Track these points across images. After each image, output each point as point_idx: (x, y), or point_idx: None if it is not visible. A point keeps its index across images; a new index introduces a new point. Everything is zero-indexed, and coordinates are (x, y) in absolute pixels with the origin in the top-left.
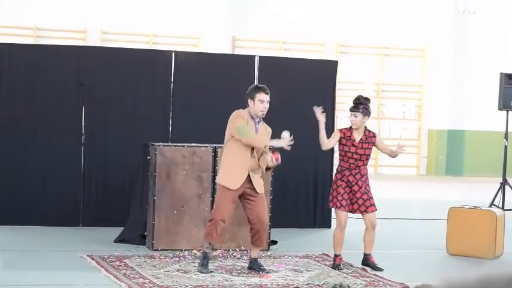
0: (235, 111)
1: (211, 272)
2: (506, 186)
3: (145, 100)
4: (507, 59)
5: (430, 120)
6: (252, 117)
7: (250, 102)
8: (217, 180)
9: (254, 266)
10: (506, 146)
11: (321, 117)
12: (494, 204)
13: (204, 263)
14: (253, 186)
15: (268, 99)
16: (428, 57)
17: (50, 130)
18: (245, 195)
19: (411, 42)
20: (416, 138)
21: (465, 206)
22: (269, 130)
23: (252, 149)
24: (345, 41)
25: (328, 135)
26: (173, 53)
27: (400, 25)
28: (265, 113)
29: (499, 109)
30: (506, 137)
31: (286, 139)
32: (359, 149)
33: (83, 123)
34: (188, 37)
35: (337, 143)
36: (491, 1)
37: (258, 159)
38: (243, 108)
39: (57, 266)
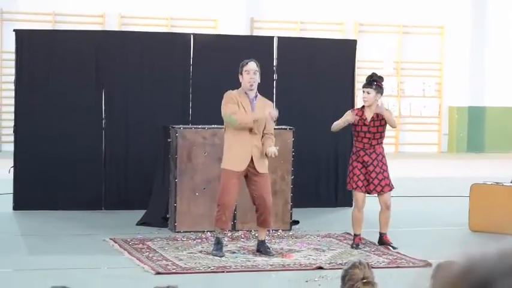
0: (226, 92)
1: (224, 255)
2: None
3: (164, 83)
4: None
5: (450, 97)
6: (246, 93)
7: (240, 77)
8: (221, 166)
9: (261, 249)
10: None
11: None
12: None
13: (217, 247)
14: (255, 166)
15: (256, 69)
16: (446, 34)
17: (70, 115)
18: (248, 176)
19: (429, 20)
20: (437, 115)
21: (487, 182)
22: (269, 103)
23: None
24: (364, 19)
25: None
26: (192, 36)
27: (418, 2)
28: (253, 84)
29: None
30: None
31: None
32: (371, 127)
33: (103, 108)
34: (206, 19)
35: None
36: None
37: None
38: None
39: (80, 250)
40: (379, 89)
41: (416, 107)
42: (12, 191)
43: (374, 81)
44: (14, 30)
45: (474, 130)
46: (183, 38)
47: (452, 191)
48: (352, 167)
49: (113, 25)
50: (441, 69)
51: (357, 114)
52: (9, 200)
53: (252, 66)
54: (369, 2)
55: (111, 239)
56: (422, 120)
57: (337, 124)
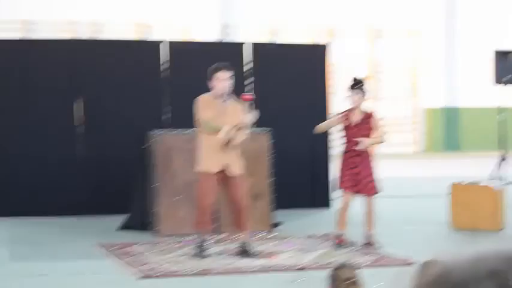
0: (199, 97)
1: (205, 258)
2: (505, 160)
3: (139, 89)
4: (497, 36)
5: (425, 99)
6: (218, 96)
7: (210, 83)
8: (195, 170)
9: (244, 251)
10: (502, 121)
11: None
12: (494, 179)
13: (199, 250)
14: (230, 167)
15: (230, 75)
16: (421, 38)
17: (44, 123)
18: (224, 177)
19: (403, 23)
20: (413, 116)
21: (465, 181)
22: (240, 108)
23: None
24: (337, 24)
25: (322, 120)
26: (165, 43)
27: (393, 7)
28: (227, 91)
29: (494, 85)
30: (501, 112)
31: (251, 115)
32: (358, 129)
33: (78, 115)
34: (180, 26)
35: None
36: None
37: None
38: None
39: (62, 256)
40: (364, 92)
41: (392, 109)
42: None
43: (359, 83)
44: None
45: (449, 130)
46: (157, 44)
47: (431, 190)
48: (342, 166)
49: (85, 33)
50: (415, 72)
51: (344, 116)
52: None
53: (226, 74)
54: (341, 6)
55: (93, 244)
56: (399, 122)
57: (321, 126)
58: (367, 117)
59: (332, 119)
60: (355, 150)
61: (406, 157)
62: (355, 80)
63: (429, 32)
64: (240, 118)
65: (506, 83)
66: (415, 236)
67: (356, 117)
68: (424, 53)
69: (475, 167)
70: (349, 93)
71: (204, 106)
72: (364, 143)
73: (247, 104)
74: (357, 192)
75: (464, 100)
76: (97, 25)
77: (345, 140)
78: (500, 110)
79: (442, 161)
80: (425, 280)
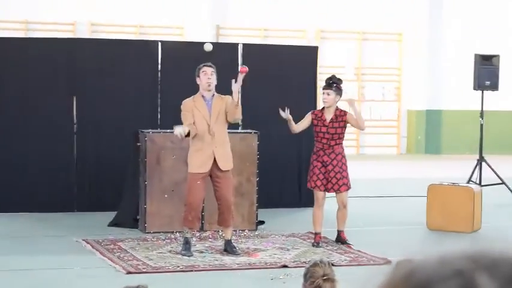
0: (183, 101)
1: (192, 255)
2: (483, 163)
3: (134, 89)
4: (479, 41)
5: (408, 101)
6: (203, 96)
7: (198, 80)
8: (188, 170)
9: (227, 248)
10: (481, 125)
11: (288, 117)
12: (472, 181)
13: (186, 247)
14: (218, 164)
15: (212, 71)
16: (405, 41)
17: (42, 121)
18: (212, 175)
19: (388, 27)
20: (396, 118)
21: (444, 183)
22: (225, 98)
23: (209, 128)
24: (325, 26)
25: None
26: (159, 43)
27: (378, 10)
28: (211, 84)
29: (474, 89)
30: (481, 116)
31: (238, 77)
32: (330, 128)
33: (74, 113)
34: (173, 27)
35: (312, 124)
36: None
37: (227, 114)
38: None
39: (54, 250)
40: (339, 91)
41: (376, 111)
42: None
43: (334, 83)
44: None
45: (432, 132)
46: (151, 45)
47: (410, 191)
48: (313, 166)
49: (84, 33)
50: (400, 75)
51: (316, 115)
52: None
53: (208, 69)
54: (330, 9)
55: (83, 239)
56: (382, 123)
57: (296, 127)
58: (341, 116)
59: (305, 119)
60: (326, 149)
61: (387, 159)
62: (329, 79)
63: (413, 37)
64: (225, 107)
65: (486, 88)
66: (390, 237)
67: (329, 116)
68: (408, 57)
69: (455, 169)
70: (324, 92)
71: (185, 111)
72: (352, 102)
73: (242, 76)
74: (328, 189)
75: (447, 103)
76: (95, 25)
77: (316, 138)
78: (482, 114)
79: (423, 163)
80: (393, 279)
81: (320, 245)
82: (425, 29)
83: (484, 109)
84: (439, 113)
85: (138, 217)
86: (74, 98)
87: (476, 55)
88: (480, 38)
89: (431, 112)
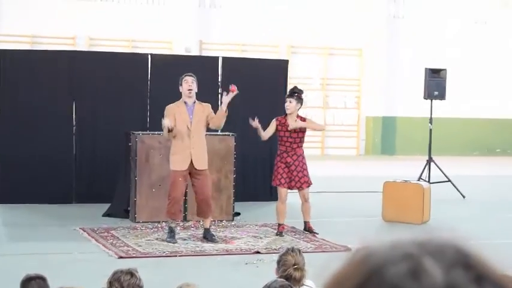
0: (167, 106)
1: (176, 242)
2: (431, 163)
3: (126, 95)
4: (429, 56)
5: (367, 108)
6: (185, 103)
7: (180, 88)
8: (170, 167)
9: (206, 236)
10: (430, 129)
11: (257, 126)
12: (421, 178)
13: (171, 235)
14: (194, 164)
15: (192, 80)
16: (364, 56)
17: (45, 122)
18: (191, 173)
19: (350, 43)
20: (356, 123)
21: (397, 180)
22: (205, 105)
23: (189, 131)
24: (295, 43)
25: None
26: (149, 56)
27: (341, 29)
28: (191, 91)
29: (424, 98)
30: (430, 122)
31: (230, 94)
32: (292, 133)
33: (73, 116)
34: (162, 41)
35: (276, 130)
36: (417, 8)
37: (210, 121)
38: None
39: (54, 238)
40: (299, 100)
41: (338, 117)
42: None
43: (295, 93)
44: None
45: (387, 136)
46: (142, 57)
47: (368, 188)
48: (277, 167)
49: (83, 46)
50: (360, 85)
51: (280, 121)
52: None
53: (189, 79)
54: (299, 28)
55: (80, 228)
56: (344, 128)
57: (266, 133)
58: (301, 121)
59: (271, 125)
60: (289, 151)
61: (348, 159)
62: (292, 89)
63: (372, 52)
64: (206, 114)
65: (435, 97)
66: (350, 227)
67: (291, 122)
68: (367, 69)
69: (407, 168)
70: (286, 100)
71: (167, 114)
72: (296, 123)
73: (232, 94)
74: (291, 187)
75: (401, 110)
76: (93, 39)
77: (280, 141)
78: (431, 120)
79: (379, 163)
80: (352, 262)
81: (283, 234)
82: (382, 46)
83: (432, 116)
84: (394, 119)
85: (129, 208)
86: (74, 103)
87: (426, 69)
88: (430, 54)
89: (386, 118)
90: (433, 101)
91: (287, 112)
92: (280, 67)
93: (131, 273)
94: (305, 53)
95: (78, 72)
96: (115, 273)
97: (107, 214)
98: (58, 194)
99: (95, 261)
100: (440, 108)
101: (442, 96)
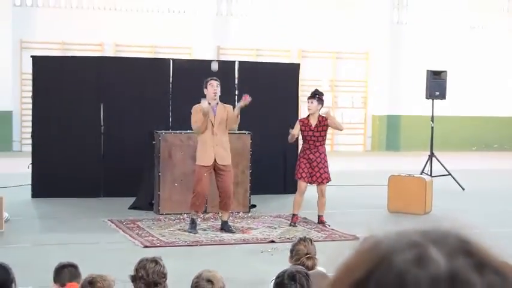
0: (194, 106)
1: (197, 233)
2: (433, 158)
3: (150, 97)
4: (431, 59)
5: (373, 108)
6: (209, 103)
7: (205, 90)
8: (196, 162)
9: (224, 227)
10: (432, 127)
11: (292, 138)
12: (424, 172)
13: (192, 226)
14: (217, 161)
15: (217, 84)
16: (370, 59)
17: (76, 123)
18: (215, 169)
19: (357, 48)
20: (363, 122)
21: (401, 174)
22: (227, 107)
23: (212, 129)
24: (306, 47)
25: (293, 126)
26: (171, 61)
27: (349, 34)
28: (216, 94)
29: (426, 98)
30: (432, 120)
31: (242, 101)
32: (315, 132)
33: (101, 117)
34: (183, 47)
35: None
36: (419, 14)
37: (226, 121)
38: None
39: (84, 228)
40: (321, 101)
41: (346, 116)
42: (30, 183)
43: (317, 95)
44: (31, 56)
45: (391, 133)
46: (165, 62)
47: (374, 181)
48: (300, 162)
49: (109, 52)
50: (366, 87)
51: (303, 122)
52: (28, 189)
53: (214, 82)
54: (309, 33)
55: (108, 220)
56: (352, 126)
57: (293, 135)
58: (323, 121)
59: (296, 126)
60: (312, 149)
61: (356, 155)
62: (314, 91)
63: (377, 55)
64: (227, 115)
65: (436, 97)
66: (358, 217)
67: (313, 122)
68: (373, 72)
69: (410, 163)
70: (308, 101)
71: (195, 113)
72: (328, 113)
73: (244, 102)
74: (312, 182)
75: (404, 110)
76: (119, 46)
77: (304, 140)
78: (432, 118)
79: (384, 158)
80: (360, 250)
81: (296, 225)
82: (387, 50)
83: (434, 114)
84: (398, 117)
85: (153, 202)
86: (101, 105)
87: (428, 71)
88: (431, 57)
89: (391, 117)
90: (434, 100)
91: (309, 112)
92: (292, 70)
93: (156, 261)
94: (315, 57)
95: (105, 76)
96: (141, 261)
97: (133, 207)
98: (88, 188)
99: (122, 250)
100: (441, 107)
101: (442, 96)
